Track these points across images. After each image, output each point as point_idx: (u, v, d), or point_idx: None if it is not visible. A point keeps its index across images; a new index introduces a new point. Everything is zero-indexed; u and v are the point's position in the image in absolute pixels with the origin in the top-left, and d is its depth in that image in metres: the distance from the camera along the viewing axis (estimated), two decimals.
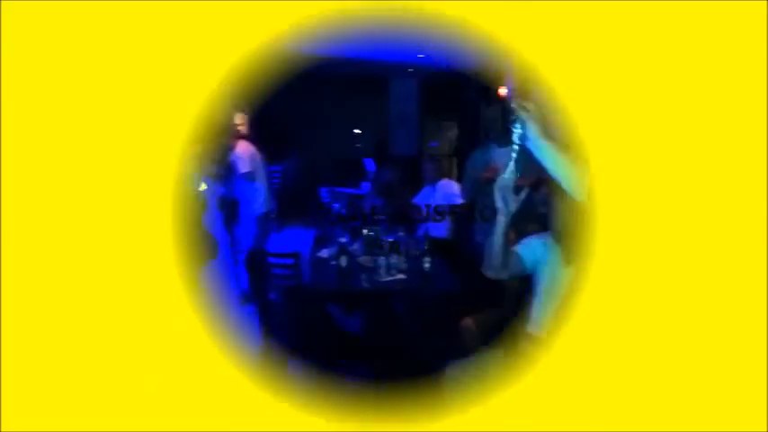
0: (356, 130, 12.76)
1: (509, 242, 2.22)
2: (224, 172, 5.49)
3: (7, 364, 1.65)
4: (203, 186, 4.74)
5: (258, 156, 5.82)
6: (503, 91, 8.05)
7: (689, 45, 1.64)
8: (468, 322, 3.15)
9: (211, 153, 5.47)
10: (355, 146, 12.34)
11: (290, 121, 11.02)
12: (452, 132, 13.14)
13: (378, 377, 3.44)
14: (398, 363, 3.62)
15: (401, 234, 4.27)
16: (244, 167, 5.62)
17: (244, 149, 5.70)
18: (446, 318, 3.45)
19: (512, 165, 2.03)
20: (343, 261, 3.64)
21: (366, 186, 8.21)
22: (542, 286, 2.33)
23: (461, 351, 3.04)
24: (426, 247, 3.72)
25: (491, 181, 2.14)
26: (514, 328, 2.37)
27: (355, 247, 4.23)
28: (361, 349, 3.55)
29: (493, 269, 2.22)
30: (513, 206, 2.09)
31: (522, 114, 1.97)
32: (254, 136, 5.84)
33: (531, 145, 1.97)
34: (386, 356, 3.63)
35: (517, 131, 1.98)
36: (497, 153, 3.91)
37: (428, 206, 4.84)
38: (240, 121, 6.00)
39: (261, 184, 5.75)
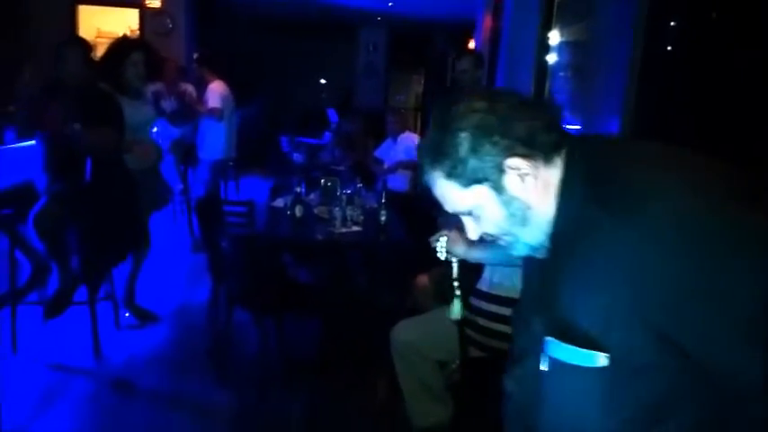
0: (322, 80, 12.52)
1: None
2: (184, 110, 5.35)
3: None
4: (154, 129, 4.59)
5: (230, 97, 5.66)
6: (472, 44, 7.94)
7: None
8: (422, 279, 3.12)
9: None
10: (321, 96, 12.13)
11: (257, 66, 10.76)
12: (418, 86, 13.01)
13: (326, 330, 3.41)
14: (349, 316, 3.59)
15: (359, 186, 4.18)
16: (214, 102, 5.46)
17: (217, 86, 5.54)
18: (400, 273, 3.41)
19: None
20: (299, 211, 3.56)
21: (327, 137, 8.09)
22: None
23: (414, 307, 3.01)
24: (384, 200, 3.65)
25: None
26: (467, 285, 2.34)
27: (312, 197, 4.14)
28: (312, 300, 3.50)
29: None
30: None
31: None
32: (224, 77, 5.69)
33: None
34: (337, 309, 3.59)
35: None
36: None
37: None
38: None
39: (225, 126, 5.60)
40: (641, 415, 1.03)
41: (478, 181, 1.09)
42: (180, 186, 5.91)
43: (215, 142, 5.60)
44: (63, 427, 2.86)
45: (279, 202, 4.08)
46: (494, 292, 2.36)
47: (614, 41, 4.33)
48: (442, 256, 2.02)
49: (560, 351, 1.07)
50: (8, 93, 4.37)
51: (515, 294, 1.53)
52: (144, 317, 3.92)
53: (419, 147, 1.18)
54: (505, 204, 1.11)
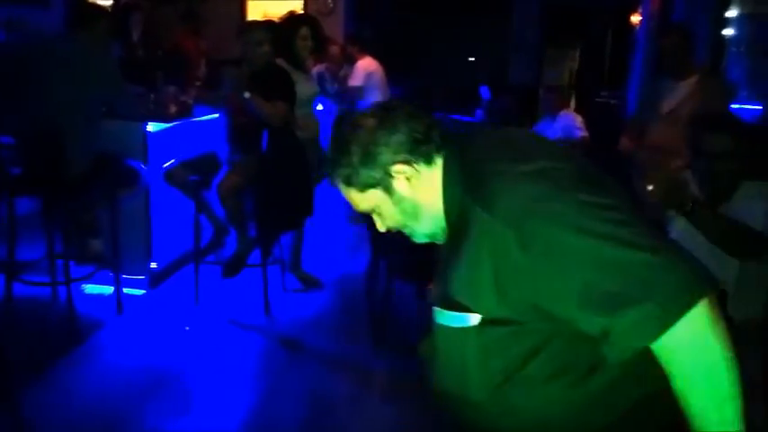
0: (470, 58, 12.39)
1: None
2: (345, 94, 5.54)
3: None
4: (319, 106, 4.80)
5: (378, 73, 5.77)
6: (636, 18, 7.53)
7: None
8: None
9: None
10: (472, 72, 12.02)
11: (410, 44, 10.85)
12: (573, 62, 12.52)
13: None
14: None
15: None
16: (355, 81, 5.62)
17: (363, 63, 5.68)
18: None
19: None
20: None
21: (480, 114, 8.02)
22: None
23: None
24: None
25: None
26: None
27: None
28: None
29: None
30: None
31: None
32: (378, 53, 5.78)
33: None
34: None
35: None
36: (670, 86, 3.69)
37: None
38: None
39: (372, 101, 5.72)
40: (511, 364, 1.20)
41: (372, 186, 1.28)
42: None
43: None
44: (236, 376, 3.12)
45: None
46: None
47: None
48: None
49: (442, 317, 1.26)
50: (192, 72, 4.76)
51: None
52: (308, 282, 4.15)
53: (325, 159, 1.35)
54: (397, 203, 1.30)
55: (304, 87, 3.83)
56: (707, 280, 1.08)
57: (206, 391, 2.97)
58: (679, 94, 3.64)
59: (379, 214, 1.34)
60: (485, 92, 8.81)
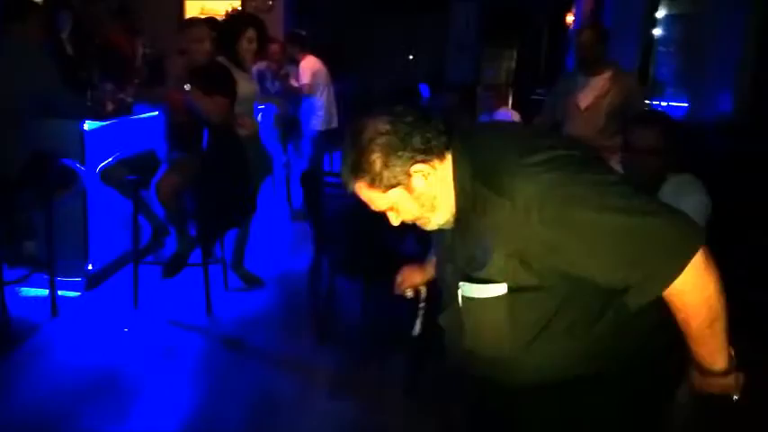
0: (410, 57, 12.49)
1: None
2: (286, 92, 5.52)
3: None
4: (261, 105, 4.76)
5: (322, 72, 5.79)
6: (570, 18, 7.76)
7: None
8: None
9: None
10: (411, 70, 12.12)
11: (349, 42, 10.86)
12: (510, 61, 12.77)
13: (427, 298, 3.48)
14: None
15: None
16: (304, 79, 5.62)
17: (307, 63, 5.69)
18: None
19: None
20: None
21: None
22: None
23: None
24: None
25: None
26: None
27: None
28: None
29: None
30: None
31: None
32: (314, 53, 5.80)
33: None
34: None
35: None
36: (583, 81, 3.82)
37: None
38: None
39: (321, 100, 5.75)
40: (538, 323, 1.40)
41: (393, 186, 1.40)
42: (284, 159, 6.11)
43: (314, 115, 5.77)
44: (177, 377, 3.09)
45: None
46: None
47: (726, 13, 4.16)
48: (410, 294, 2.08)
49: (470, 290, 1.43)
50: (129, 69, 4.66)
51: None
52: (251, 281, 4.14)
53: (341, 164, 1.45)
54: (416, 199, 1.43)
55: (244, 86, 3.81)
56: (701, 230, 1.32)
57: (146, 393, 2.93)
58: (594, 88, 3.77)
59: (397, 210, 1.46)
60: (424, 90, 8.91)
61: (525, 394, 1.55)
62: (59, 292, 3.62)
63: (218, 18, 4.07)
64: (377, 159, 1.38)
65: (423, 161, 1.39)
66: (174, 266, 3.71)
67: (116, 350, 3.28)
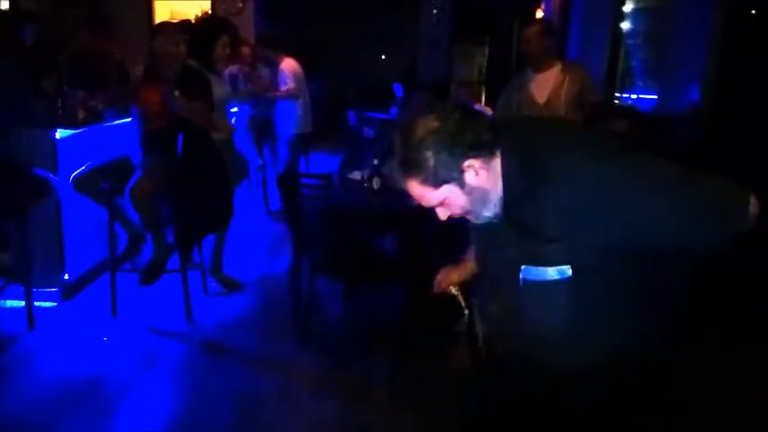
0: (382, 56, 12.51)
1: None
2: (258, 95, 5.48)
3: None
4: (234, 108, 4.74)
5: (300, 72, 5.76)
6: (540, 13, 7.83)
7: None
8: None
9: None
10: (384, 70, 12.14)
11: (321, 41, 10.83)
12: (482, 58, 12.85)
13: (408, 298, 3.51)
14: (429, 285, 3.67)
15: None
16: (290, 83, 5.58)
17: (288, 65, 5.65)
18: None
19: None
20: (376, 183, 3.66)
21: (394, 111, 8.13)
22: None
23: None
24: None
25: None
26: None
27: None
28: (391, 270, 3.61)
29: None
30: None
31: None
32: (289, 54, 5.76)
33: None
34: (416, 278, 3.68)
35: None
36: (534, 78, 3.84)
37: None
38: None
39: (298, 103, 5.72)
40: (596, 301, 1.45)
41: (446, 182, 1.43)
42: (258, 162, 6.08)
43: (290, 118, 5.74)
44: (159, 384, 3.08)
45: (355, 175, 4.18)
46: None
47: (693, 6, 4.24)
48: (455, 291, 2.07)
49: (535, 273, 1.46)
50: (100, 74, 4.61)
51: None
52: (230, 285, 4.12)
53: (389, 161, 1.48)
54: (468, 194, 1.46)
55: (217, 89, 3.80)
56: (742, 186, 1.38)
57: (128, 401, 2.91)
58: (548, 81, 3.76)
59: (447, 205, 1.49)
60: (398, 89, 8.94)
61: (573, 381, 1.56)
62: (36, 303, 3.58)
63: (189, 20, 4.03)
64: (429, 157, 1.40)
65: (474, 157, 1.42)
66: (151, 273, 3.68)
67: (96, 359, 3.25)
